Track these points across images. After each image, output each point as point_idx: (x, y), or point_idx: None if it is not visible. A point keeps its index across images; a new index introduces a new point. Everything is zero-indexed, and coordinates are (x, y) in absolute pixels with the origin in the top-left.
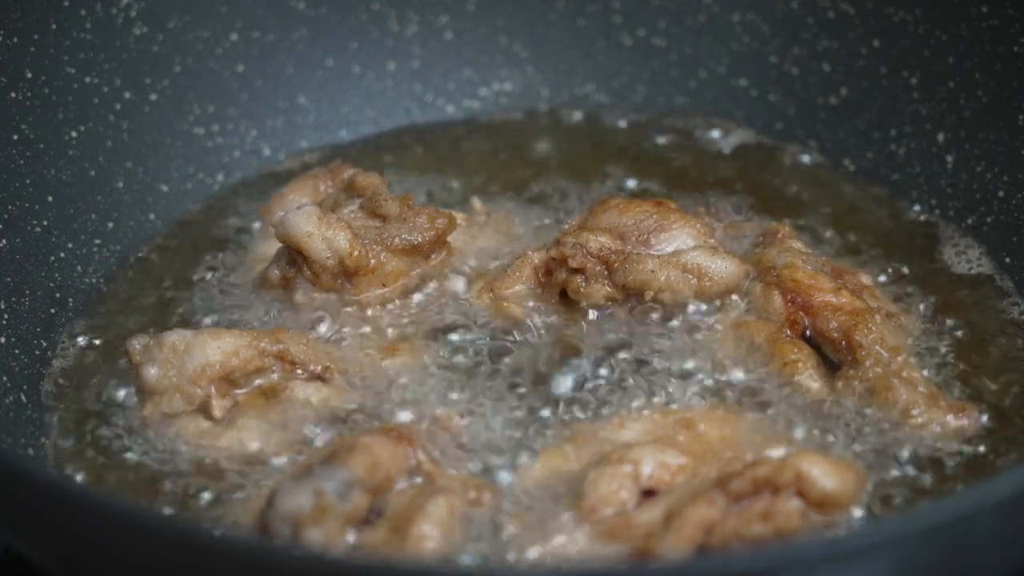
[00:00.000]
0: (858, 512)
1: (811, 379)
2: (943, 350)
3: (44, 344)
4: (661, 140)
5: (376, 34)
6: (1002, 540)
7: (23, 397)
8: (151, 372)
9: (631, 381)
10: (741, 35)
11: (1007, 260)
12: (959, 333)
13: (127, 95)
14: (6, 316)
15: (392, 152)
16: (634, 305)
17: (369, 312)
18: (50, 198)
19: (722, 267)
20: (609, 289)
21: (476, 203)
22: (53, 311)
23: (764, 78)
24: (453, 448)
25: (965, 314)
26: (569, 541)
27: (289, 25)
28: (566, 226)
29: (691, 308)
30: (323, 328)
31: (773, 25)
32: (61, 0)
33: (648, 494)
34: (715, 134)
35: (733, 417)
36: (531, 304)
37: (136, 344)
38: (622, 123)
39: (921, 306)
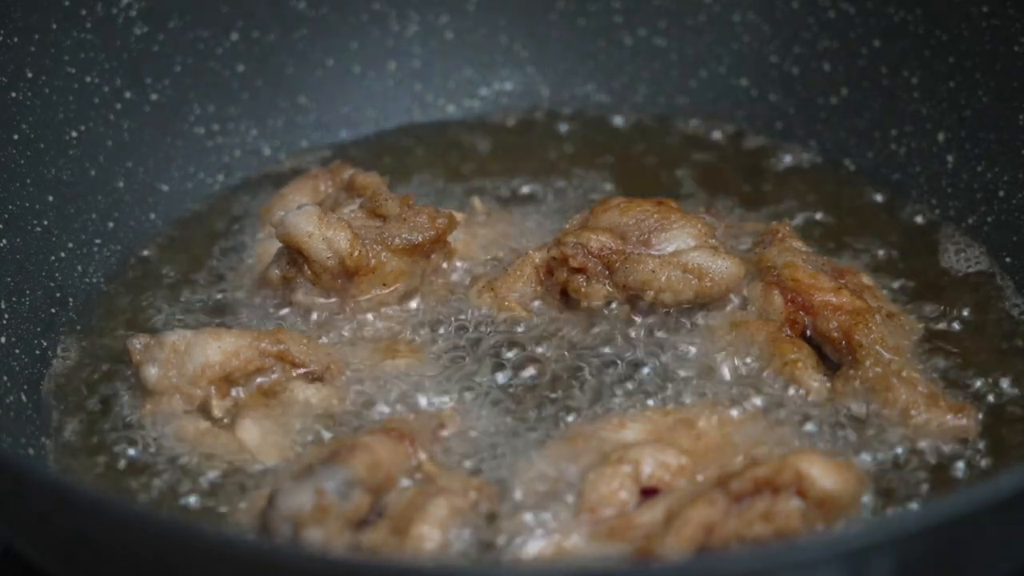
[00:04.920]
0: (858, 512)
1: (811, 379)
2: (943, 350)
3: (44, 344)
4: (662, 140)
5: (376, 34)
6: (1002, 540)
7: (23, 397)
8: (151, 372)
9: (631, 381)
10: (741, 35)
11: (1007, 260)
12: (959, 333)
13: (127, 95)
14: (6, 316)
15: (392, 152)
16: (635, 305)
17: (370, 312)
18: (50, 198)
19: (722, 267)
20: (610, 289)
21: (476, 203)
22: (53, 311)
23: (764, 78)
24: (454, 448)
25: (965, 314)
26: (569, 541)
27: (289, 25)
28: (567, 225)
29: (691, 308)
30: (323, 328)
31: (773, 25)
32: (61, 0)
33: (648, 494)
34: (715, 134)
35: (733, 417)
36: (532, 304)
37: (137, 344)
38: (622, 123)
39: (921, 306)
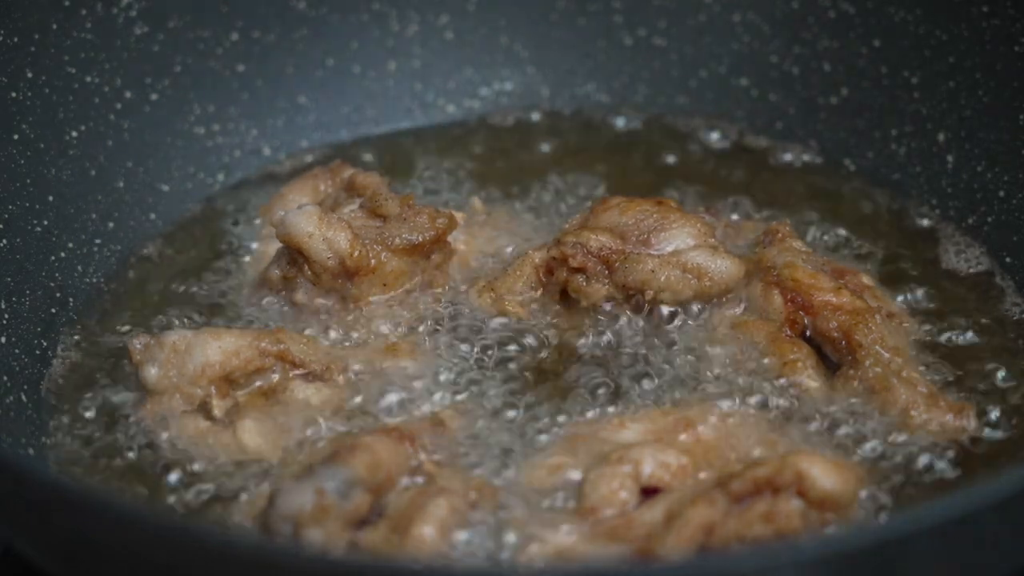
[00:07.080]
0: (858, 512)
1: (811, 379)
2: (943, 350)
3: (44, 344)
4: (661, 140)
5: (377, 34)
6: (1002, 540)
7: (23, 397)
8: (151, 372)
9: (631, 381)
10: (741, 35)
11: (1007, 260)
12: (959, 333)
13: (128, 95)
14: (6, 316)
15: (392, 152)
16: (634, 304)
17: (369, 312)
18: (51, 198)
19: (722, 267)
20: (609, 288)
21: (476, 203)
22: (53, 311)
23: (764, 78)
24: (454, 448)
25: (965, 314)
26: (569, 541)
27: (289, 25)
28: (567, 225)
29: (691, 308)
30: (324, 328)
31: (773, 25)
32: (61, 0)
33: (648, 494)
34: (715, 134)
35: (733, 417)
36: (532, 304)
37: (137, 344)
38: (622, 123)
39: (921, 306)
